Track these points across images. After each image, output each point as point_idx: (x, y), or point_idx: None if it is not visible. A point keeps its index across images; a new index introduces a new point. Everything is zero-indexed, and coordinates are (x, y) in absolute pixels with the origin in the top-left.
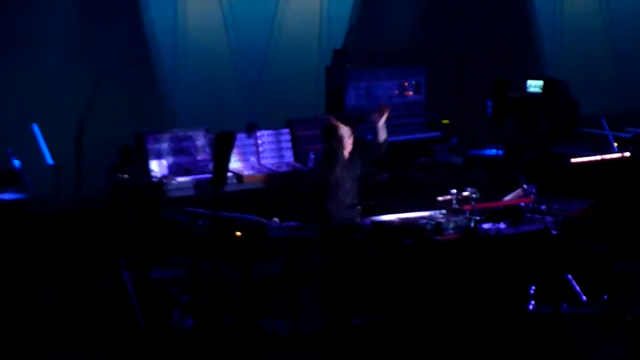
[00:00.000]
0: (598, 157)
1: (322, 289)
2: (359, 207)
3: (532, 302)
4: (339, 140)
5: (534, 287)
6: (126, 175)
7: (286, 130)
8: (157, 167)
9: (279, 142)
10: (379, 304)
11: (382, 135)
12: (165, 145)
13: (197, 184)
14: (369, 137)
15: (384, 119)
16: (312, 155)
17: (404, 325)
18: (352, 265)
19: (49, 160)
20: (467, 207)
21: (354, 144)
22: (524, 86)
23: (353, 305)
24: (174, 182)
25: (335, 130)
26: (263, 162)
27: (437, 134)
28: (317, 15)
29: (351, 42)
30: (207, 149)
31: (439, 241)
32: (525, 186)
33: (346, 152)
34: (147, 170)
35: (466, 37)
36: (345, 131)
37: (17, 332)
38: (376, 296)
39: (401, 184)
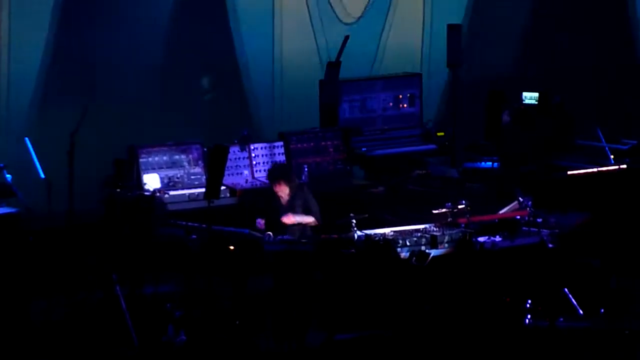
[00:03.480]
0: (595, 170)
1: (317, 303)
2: (354, 220)
3: (529, 316)
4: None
5: (530, 301)
6: (119, 189)
7: (280, 143)
8: (150, 180)
9: (272, 155)
10: (374, 318)
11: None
12: (158, 159)
13: (190, 197)
14: (363, 149)
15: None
16: (305, 169)
17: (401, 340)
18: (346, 279)
19: (41, 174)
20: (462, 220)
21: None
22: (520, 98)
23: (348, 320)
24: (167, 195)
25: (274, 195)
26: (257, 175)
27: (433, 146)
28: None
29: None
30: (201, 162)
31: (434, 255)
32: (521, 199)
33: (284, 201)
34: (140, 183)
35: None
36: (283, 191)
37: (6, 348)
38: (371, 310)
39: (396, 197)
